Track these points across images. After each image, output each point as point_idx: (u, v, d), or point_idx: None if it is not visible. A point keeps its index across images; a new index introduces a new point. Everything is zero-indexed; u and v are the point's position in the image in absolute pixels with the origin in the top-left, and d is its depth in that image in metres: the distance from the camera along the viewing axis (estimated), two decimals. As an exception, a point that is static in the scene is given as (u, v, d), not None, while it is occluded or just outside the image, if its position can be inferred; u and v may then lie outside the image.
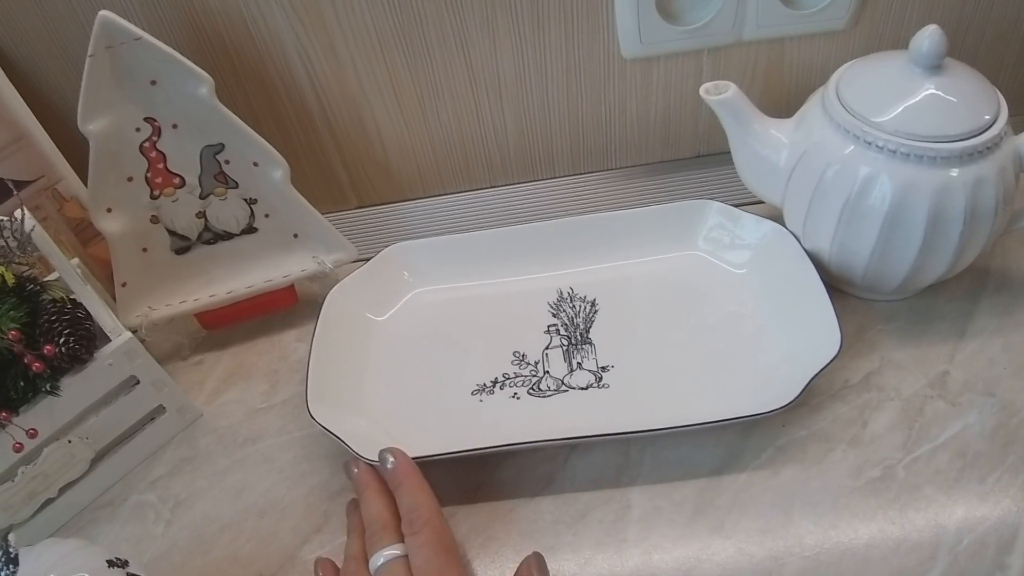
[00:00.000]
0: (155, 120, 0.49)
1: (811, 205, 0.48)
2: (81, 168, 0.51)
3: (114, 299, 0.54)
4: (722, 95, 0.49)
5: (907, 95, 0.45)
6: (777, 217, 0.53)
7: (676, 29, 0.55)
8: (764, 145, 0.50)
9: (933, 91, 0.45)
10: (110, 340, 0.47)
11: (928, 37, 0.44)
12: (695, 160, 0.65)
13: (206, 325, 0.56)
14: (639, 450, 0.47)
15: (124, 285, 0.53)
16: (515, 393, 0.50)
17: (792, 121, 0.50)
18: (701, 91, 0.50)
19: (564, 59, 0.58)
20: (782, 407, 0.43)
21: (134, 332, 0.49)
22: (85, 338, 0.46)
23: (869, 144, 0.45)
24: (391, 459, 0.42)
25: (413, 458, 0.43)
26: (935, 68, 0.45)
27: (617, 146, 0.64)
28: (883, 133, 0.44)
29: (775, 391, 0.45)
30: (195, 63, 0.47)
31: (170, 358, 0.56)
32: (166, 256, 0.54)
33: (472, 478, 0.47)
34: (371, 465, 0.43)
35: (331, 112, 0.60)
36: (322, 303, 0.52)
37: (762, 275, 0.53)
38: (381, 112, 0.60)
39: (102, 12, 0.45)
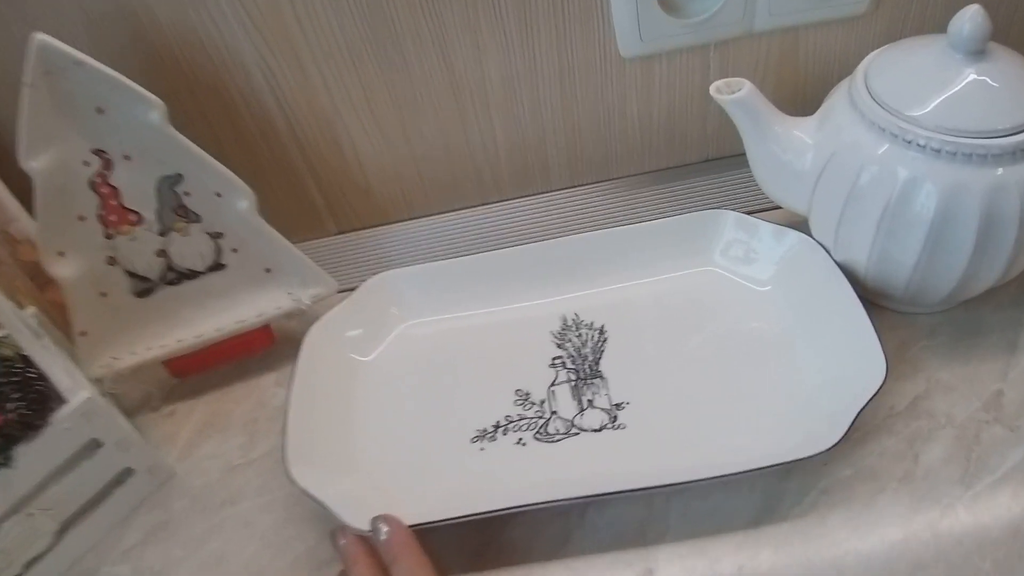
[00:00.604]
0: (105, 152, 0.46)
1: (844, 213, 0.45)
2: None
3: (78, 348, 0.51)
4: (736, 94, 0.46)
5: (947, 85, 0.42)
6: (801, 226, 0.50)
7: (679, 23, 0.52)
8: (785, 148, 0.47)
9: (976, 79, 0.41)
10: (66, 401, 0.44)
11: (969, 19, 0.40)
12: (704, 165, 0.63)
13: (175, 373, 0.54)
14: (664, 501, 0.44)
15: (84, 334, 0.50)
16: (520, 439, 0.47)
17: (814, 119, 0.47)
18: (711, 90, 0.47)
19: (556, 61, 0.55)
20: (827, 449, 0.39)
21: (98, 383, 0.48)
22: (38, 401, 0.43)
23: (909, 143, 0.41)
24: (385, 528, 0.39)
25: (409, 525, 0.40)
26: (977, 53, 0.41)
27: (618, 154, 0.62)
28: (922, 129, 0.41)
29: (813, 426, 0.42)
30: (148, 86, 0.45)
31: (140, 409, 0.53)
32: (127, 300, 0.51)
33: (476, 538, 0.44)
34: (361, 535, 0.40)
35: (301, 132, 0.57)
36: (300, 345, 0.49)
37: (789, 292, 0.50)
38: (356, 129, 0.58)
39: (37, 35, 0.42)
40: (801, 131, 0.46)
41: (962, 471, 0.42)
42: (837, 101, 0.46)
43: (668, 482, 0.40)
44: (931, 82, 0.42)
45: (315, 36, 0.52)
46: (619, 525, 0.43)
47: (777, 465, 0.40)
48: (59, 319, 0.53)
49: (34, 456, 0.43)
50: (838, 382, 0.44)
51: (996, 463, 0.42)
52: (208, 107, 0.55)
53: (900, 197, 0.42)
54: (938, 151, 0.40)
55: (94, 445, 0.45)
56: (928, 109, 0.41)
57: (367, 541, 0.40)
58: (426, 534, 0.40)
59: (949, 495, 0.42)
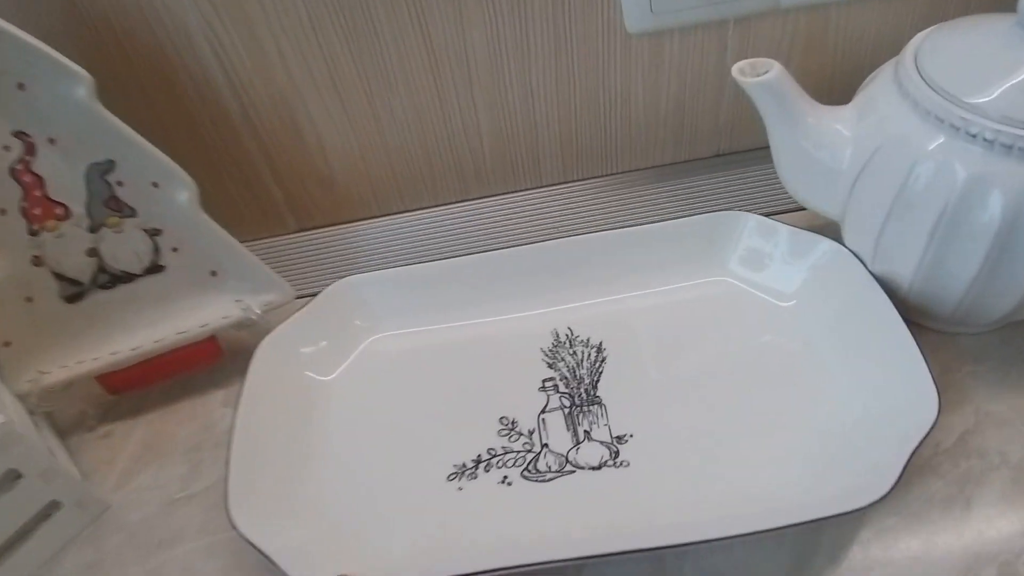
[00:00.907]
0: (27, 135, 0.44)
1: (888, 219, 0.40)
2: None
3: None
4: (763, 76, 0.42)
5: (1017, 68, 0.37)
6: (829, 232, 0.47)
7: (696, -8, 0.48)
8: (818, 142, 0.43)
9: (1053, 62, 0.37)
10: (-22, 428, 0.41)
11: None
12: (714, 161, 0.61)
13: (111, 389, 0.51)
14: (678, 557, 0.39)
15: (7, 345, 0.48)
16: (505, 476, 0.44)
17: (852, 108, 0.43)
18: (734, 71, 0.42)
19: (552, 34, 0.53)
20: (876, 501, 0.35)
21: (25, 399, 0.46)
22: (-56, 430, 0.40)
23: (973, 136, 0.36)
24: None
25: None
26: (1054, 33, 0.37)
27: (619, 146, 0.60)
28: (988, 120, 0.36)
29: (853, 469, 0.39)
30: (77, 59, 0.42)
31: (74, 429, 0.51)
32: (56, 306, 0.49)
33: None
34: None
35: (255, 113, 0.54)
36: (249, 361, 0.47)
37: (817, 309, 0.47)
38: (319, 111, 0.55)
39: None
40: (838, 122, 0.42)
41: (1022, 521, 0.38)
42: (881, 88, 0.41)
43: (682, 541, 0.36)
44: (998, 65, 0.37)
45: (271, 3, 0.49)
46: None
47: (813, 521, 0.35)
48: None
49: (-59, 490, 0.40)
50: (880, 417, 0.40)
51: (1059, 511, 0.39)
52: (147, 84, 0.52)
53: (960, 201, 0.37)
54: (1008, 147, 0.36)
55: (13, 476, 0.43)
56: (994, 96, 0.36)
57: None
58: None
59: (1007, 550, 0.38)
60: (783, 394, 0.44)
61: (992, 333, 0.46)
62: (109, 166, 0.45)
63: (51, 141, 0.44)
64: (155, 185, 0.46)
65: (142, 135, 0.44)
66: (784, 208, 0.51)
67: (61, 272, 0.48)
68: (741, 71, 0.42)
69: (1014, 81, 0.36)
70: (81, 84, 0.42)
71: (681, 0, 0.48)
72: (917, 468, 0.41)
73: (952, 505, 0.39)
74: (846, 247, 0.45)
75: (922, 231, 0.39)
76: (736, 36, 0.52)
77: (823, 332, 0.46)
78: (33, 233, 0.46)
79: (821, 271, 0.47)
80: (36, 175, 0.44)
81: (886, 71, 0.42)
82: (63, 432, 0.49)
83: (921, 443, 0.36)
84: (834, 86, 0.53)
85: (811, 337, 0.46)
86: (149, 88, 0.51)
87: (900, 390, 0.40)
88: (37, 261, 0.46)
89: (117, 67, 0.50)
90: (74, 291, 0.48)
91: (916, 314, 0.44)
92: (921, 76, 0.39)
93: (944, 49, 0.39)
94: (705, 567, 0.39)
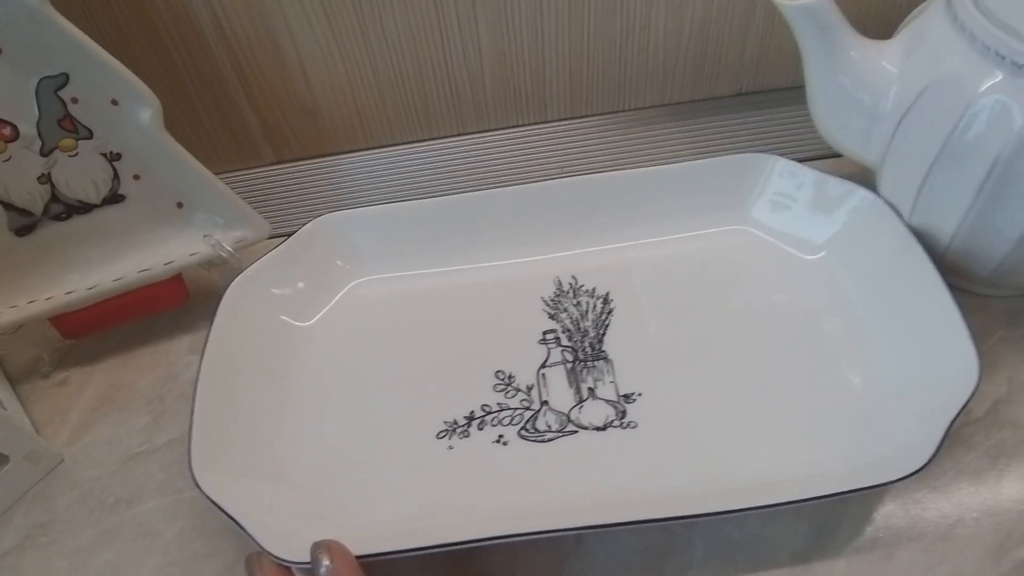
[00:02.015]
0: None
1: (933, 167, 0.39)
2: None
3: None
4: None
5: None
6: (861, 180, 0.45)
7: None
8: (861, 80, 0.41)
9: None
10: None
11: None
12: (735, 100, 0.59)
13: (67, 333, 0.50)
14: (687, 526, 0.39)
15: None
16: (501, 436, 0.43)
17: (898, 43, 0.41)
18: None
19: None
20: (911, 474, 0.34)
21: None
22: None
23: None
24: (326, 562, 0.35)
25: (356, 557, 0.35)
26: None
27: (633, 79, 0.58)
28: None
29: (879, 436, 0.38)
30: None
31: (28, 376, 0.50)
32: (4, 239, 0.48)
33: (441, 569, 0.39)
34: (283, 566, 0.36)
35: (230, 29, 0.52)
36: (218, 303, 0.46)
37: (847, 263, 0.46)
38: (301, 27, 0.52)
39: None
40: (884, 58, 0.40)
41: None
42: (931, 20, 0.39)
43: (695, 512, 0.35)
44: None
45: None
46: (627, 556, 0.38)
47: (841, 493, 0.34)
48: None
49: None
50: (913, 383, 0.39)
51: (1097, 488, 0.38)
52: None
53: (1018, 147, 0.35)
54: None
55: (-46, 427, 0.42)
56: None
57: (289, 573, 0.36)
58: (375, 566, 0.35)
59: None
60: (808, 355, 0.43)
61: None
62: (63, 80, 0.43)
63: (-3, 51, 0.42)
64: (114, 103, 0.44)
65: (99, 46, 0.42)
66: (811, 155, 0.50)
67: (9, 201, 0.46)
68: (782, -8, 0.40)
69: (1087, 14, 0.34)
70: (29, -15, 0.39)
71: (713, -88, 0.45)
72: (947, 439, 0.38)
73: (983, 479, 0.39)
74: (882, 198, 0.43)
75: (971, 182, 0.37)
76: (770, -43, 0.50)
77: (852, 289, 0.45)
78: (-24, 156, 0.44)
79: (853, 223, 0.46)
80: (-20, 90, 0.43)
81: (937, 3, 0.40)
82: (14, 379, 0.48)
83: (960, 412, 0.35)
84: (869, 20, 0.51)
85: (839, 293, 0.46)
86: (111, -4, 0.48)
87: (937, 354, 0.39)
88: (-17, 188, 0.45)
89: (73, -33, 0.46)
90: (24, 222, 0.47)
91: (952, 273, 0.43)
92: (978, 7, 0.37)
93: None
94: (718, 539, 0.38)
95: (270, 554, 0.35)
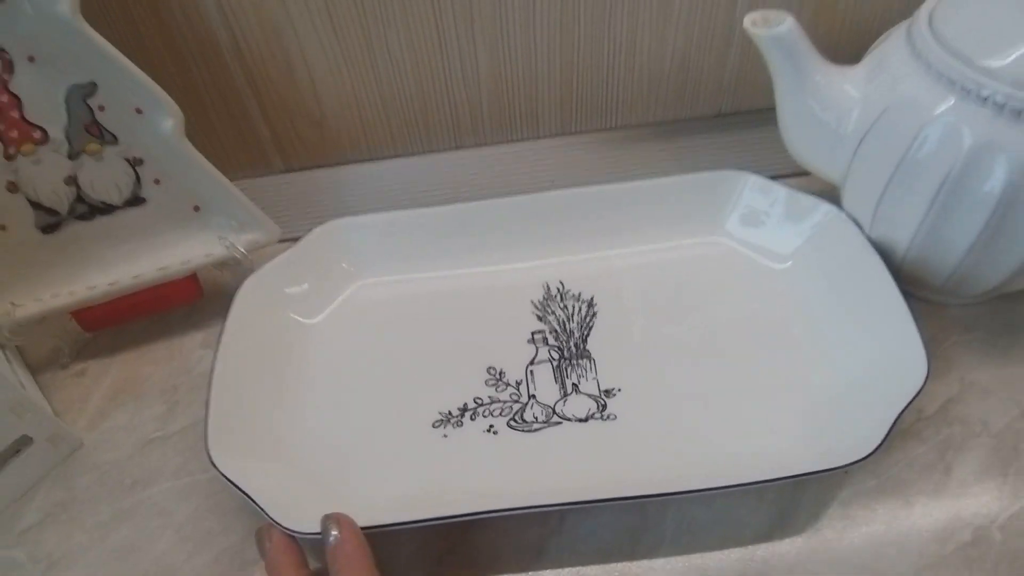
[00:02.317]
0: (4, 52, 0.43)
1: (890, 183, 0.41)
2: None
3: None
4: (775, 28, 0.41)
5: None
6: (827, 197, 0.47)
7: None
8: (826, 103, 0.43)
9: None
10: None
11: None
12: (716, 121, 0.60)
13: (87, 326, 0.50)
14: (659, 507, 0.41)
15: None
16: (491, 426, 0.44)
17: (862, 69, 0.43)
18: (746, 23, 0.42)
19: None
20: (860, 460, 0.36)
21: None
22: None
23: (984, 100, 0.37)
24: (334, 533, 0.36)
25: (362, 528, 0.37)
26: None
27: (619, 99, 0.59)
28: (1000, 84, 0.36)
29: (835, 428, 0.40)
30: None
31: (47, 366, 0.51)
32: (30, 235, 0.48)
33: (436, 543, 0.41)
34: (290, 537, 0.37)
35: (245, 44, 0.53)
36: (232, 300, 0.46)
37: (812, 272, 0.48)
38: (312, 43, 0.53)
39: None
40: (847, 82, 0.42)
41: (998, 488, 0.40)
42: (892, 48, 0.41)
43: (666, 491, 0.37)
44: (1013, 29, 0.37)
45: (266, -78, 0.47)
46: (605, 534, 0.40)
47: (798, 476, 0.37)
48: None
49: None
50: (869, 381, 0.41)
51: (1037, 480, 0.40)
52: (130, 5, 0.50)
53: (965, 166, 0.37)
54: (1018, 113, 0.36)
55: (-19, 409, 0.42)
56: (1009, 60, 0.36)
57: (297, 546, 0.37)
58: (377, 538, 0.36)
59: (983, 514, 0.39)
60: (773, 354, 0.45)
61: (981, 304, 0.47)
62: (91, 89, 0.44)
63: (30, 59, 0.43)
64: (139, 111, 0.45)
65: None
66: (783, 173, 0.51)
67: (37, 200, 0.47)
68: (753, 22, 0.42)
69: (1030, 45, 0.37)
70: (63, -2, 0.40)
71: (693, -52, 0.47)
72: (899, 433, 0.42)
73: (932, 470, 0.41)
74: (845, 212, 0.45)
75: (923, 197, 0.39)
76: (747, -10, 0.52)
77: (817, 295, 0.47)
78: (8, 157, 0.45)
79: (818, 235, 0.47)
80: (13, 95, 0.43)
81: (898, 32, 0.42)
82: (35, 368, 0.49)
83: (907, 407, 0.37)
84: (840, 47, 0.50)
85: (804, 300, 0.47)
86: (134, 11, 0.50)
87: (890, 355, 0.40)
88: (12, 187, 0.45)
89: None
90: (50, 221, 0.48)
91: (909, 282, 0.44)
92: (935, 37, 0.39)
93: (961, 9, 0.39)
94: (687, 518, 0.40)
95: (280, 525, 0.36)
